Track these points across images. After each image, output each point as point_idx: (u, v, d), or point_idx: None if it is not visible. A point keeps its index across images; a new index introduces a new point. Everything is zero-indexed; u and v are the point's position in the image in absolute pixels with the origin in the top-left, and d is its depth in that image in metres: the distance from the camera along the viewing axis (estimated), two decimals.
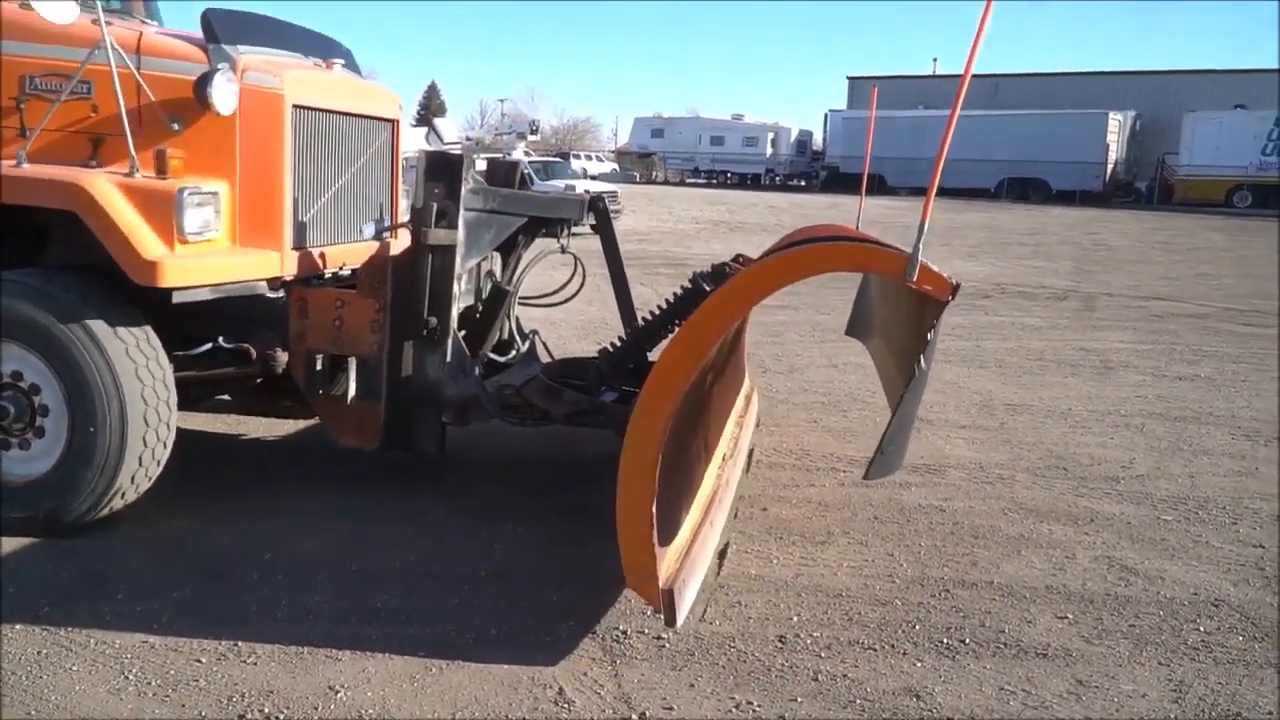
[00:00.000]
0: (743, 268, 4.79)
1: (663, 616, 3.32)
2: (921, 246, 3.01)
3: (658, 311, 4.83)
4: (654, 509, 3.21)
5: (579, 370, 5.11)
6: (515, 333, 5.68)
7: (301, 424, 6.07)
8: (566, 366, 5.29)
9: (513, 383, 4.97)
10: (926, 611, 3.91)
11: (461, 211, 4.59)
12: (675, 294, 4.80)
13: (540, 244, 5.54)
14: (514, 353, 5.60)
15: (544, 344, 5.83)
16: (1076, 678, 3.43)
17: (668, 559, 3.46)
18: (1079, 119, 43.78)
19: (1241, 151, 38.81)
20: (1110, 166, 43.91)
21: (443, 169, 4.58)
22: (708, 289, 4.67)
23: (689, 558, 3.64)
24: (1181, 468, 5.91)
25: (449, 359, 4.63)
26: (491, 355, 5.32)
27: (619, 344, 4.98)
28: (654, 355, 4.80)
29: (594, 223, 5.33)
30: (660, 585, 3.29)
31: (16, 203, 4.18)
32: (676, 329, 4.74)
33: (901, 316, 4.38)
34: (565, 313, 7.08)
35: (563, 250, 5.30)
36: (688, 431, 3.93)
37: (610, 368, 4.92)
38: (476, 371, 4.77)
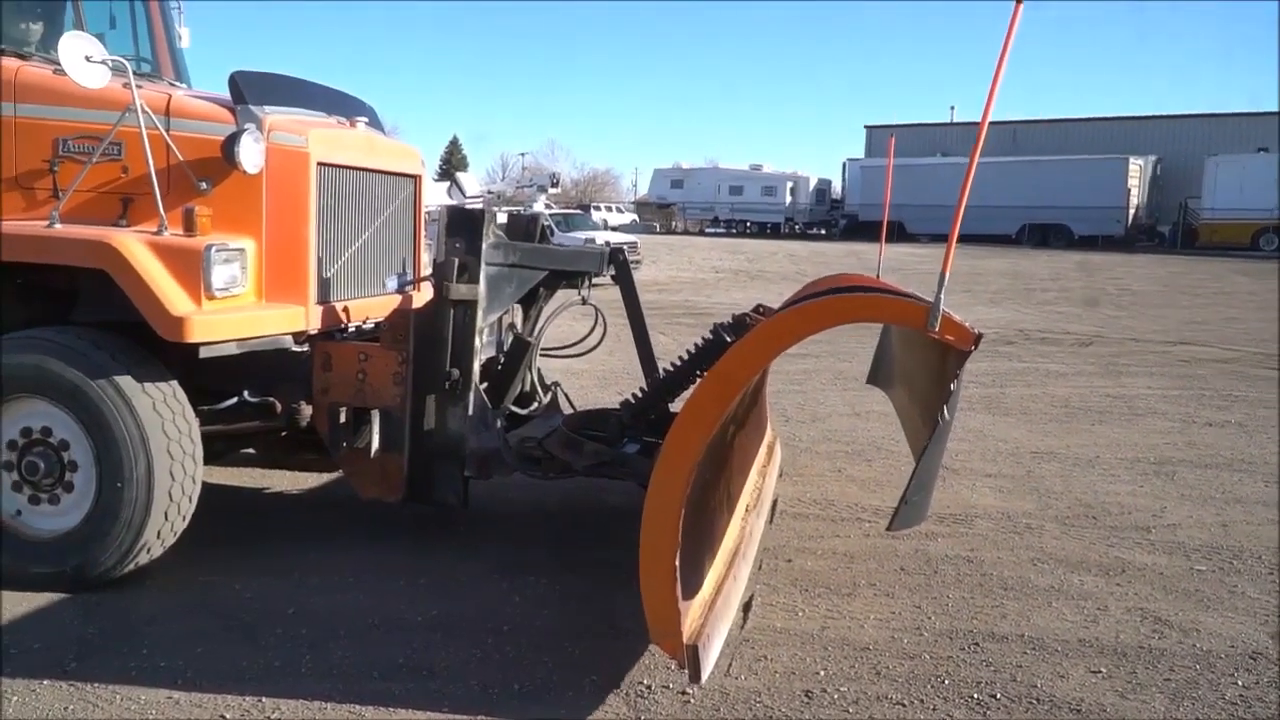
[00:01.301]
0: (764, 319, 4.80)
1: (688, 672, 3.29)
2: (943, 295, 3.01)
3: (679, 363, 4.84)
4: (677, 563, 3.19)
5: (601, 421, 5.10)
6: (537, 384, 5.70)
7: (325, 478, 6.09)
8: (588, 418, 5.28)
9: (535, 435, 4.98)
10: (956, 665, 3.84)
11: (483, 266, 4.64)
12: (696, 345, 4.81)
13: (562, 295, 5.58)
14: (536, 404, 5.61)
15: (566, 395, 5.83)
16: None
17: (692, 613, 3.43)
18: (1099, 164, 43.79)
19: (1265, 194, 38.62)
20: (1132, 211, 43.81)
21: (464, 224, 4.64)
22: (729, 340, 4.67)
23: (713, 612, 3.60)
24: (1214, 516, 5.81)
25: (471, 412, 4.65)
26: (513, 408, 5.33)
27: (640, 395, 4.98)
28: (675, 406, 4.81)
29: (614, 274, 5.37)
30: (685, 640, 3.25)
31: (49, 261, 4.27)
32: (698, 380, 4.75)
33: (923, 365, 4.36)
34: (587, 363, 7.10)
35: (583, 302, 5.34)
36: (710, 483, 3.91)
37: (632, 419, 4.92)
38: (499, 424, 4.78)
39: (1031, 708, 3.52)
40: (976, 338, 3.06)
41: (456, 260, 4.58)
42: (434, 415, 4.65)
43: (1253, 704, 3.58)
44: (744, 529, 4.49)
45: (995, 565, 4.93)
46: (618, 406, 5.09)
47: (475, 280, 4.62)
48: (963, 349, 3.10)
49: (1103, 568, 4.93)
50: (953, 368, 3.23)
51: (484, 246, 4.64)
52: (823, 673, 3.76)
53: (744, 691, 3.58)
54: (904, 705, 3.52)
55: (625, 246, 5.91)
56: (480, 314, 4.66)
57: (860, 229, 47.07)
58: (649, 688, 3.58)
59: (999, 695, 3.60)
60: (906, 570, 4.84)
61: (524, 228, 5.56)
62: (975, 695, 3.60)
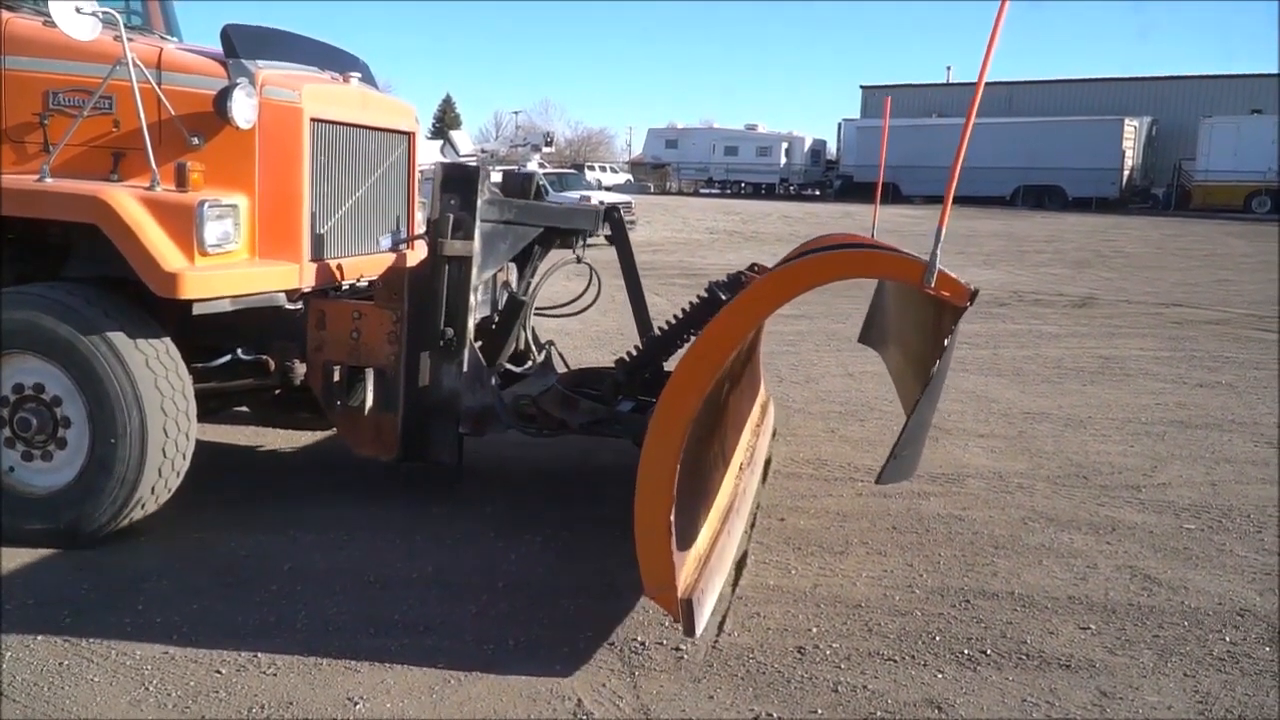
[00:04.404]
0: (759, 276, 4.79)
1: (681, 626, 3.32)
2: (939, 252, 3.01)
3: (674, 321, 4.83)
4: (673, 518, 3.21)
5: (595, 380, 5.10)
6: (531, 343, 5.69)
7: (319, 436, 6.10)
8: (583, 376, 5.28)
9: (529, 393, 4.98)
10: (947, 622, 3.88)
11: (478, 223, 4.61)
12: (691, 303, 4.80)
13: (556, 254, 5.55)
14: (530, 363, 5.61)
15: (560, 354, 5.83)
16: (1100, 689, 3.40)
17: (686, 568, 3.45)
18: (1094, 126, 43.59)
19: (1259, 156, 38.49)
20: (1126, 173, 43.67)
21: (459, 181, 4.61)
22: (724, 298, 4.67)
23: (707, 567, 3.62)
24: (1204, 476, 5.85)
25: (465, 369, 4.64)
26: (508, 366, 5.33)
27: (635, 353, 4.98)
28: (670, 365, 4.81)
29: (609, 234, 5.35)
30: (679, 595, 3.28)
31: (39, 216, 4.23)
32: (693, 338, 4.74)
33: (917, 323, 4.37)
34: (580, 323, 7.10)
35: (578, 260, 5.31)
36: (705, 440, 3.92)
37: (627, 377, 4.92)
38: (494, 382, 4.77)
39: (1021, 663, 3.56)
40: (972, 294, 3.06)
41: (451, 217, 4.55)
42: (428, 373, 4.64)
43: (1240, 660, 3.63)
44: (738, 486, 4.51)
45: (986, 524, 4.97)
46: (613, 365, 5.09)
47: (470, 237, 4.59)
48: (958, 305, 3.10)
49: (1093, 526, 4.97)
50: (947, 324, 3.23)
51: (479, 203, 4.61)
52: (815, 629, 3.79)
53: (737, 648, 3.62)
54: (895, 661, 3.56)
55: (620, 206, 5.88)
56: (475, 270, 4.64)
57: (855, 190, 46.85)
58: (643, 644, 3.61)
59: (989, 651, 3.64)
60: (898, 529, 4.87)
61: (519, 185, 5.52)
62: (966, 651, 3.64)
